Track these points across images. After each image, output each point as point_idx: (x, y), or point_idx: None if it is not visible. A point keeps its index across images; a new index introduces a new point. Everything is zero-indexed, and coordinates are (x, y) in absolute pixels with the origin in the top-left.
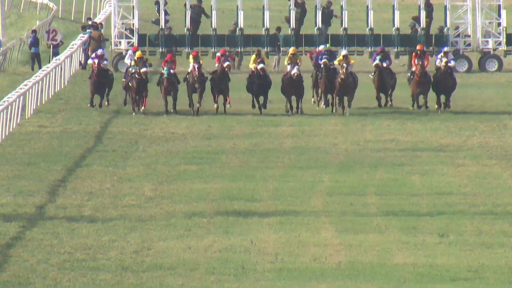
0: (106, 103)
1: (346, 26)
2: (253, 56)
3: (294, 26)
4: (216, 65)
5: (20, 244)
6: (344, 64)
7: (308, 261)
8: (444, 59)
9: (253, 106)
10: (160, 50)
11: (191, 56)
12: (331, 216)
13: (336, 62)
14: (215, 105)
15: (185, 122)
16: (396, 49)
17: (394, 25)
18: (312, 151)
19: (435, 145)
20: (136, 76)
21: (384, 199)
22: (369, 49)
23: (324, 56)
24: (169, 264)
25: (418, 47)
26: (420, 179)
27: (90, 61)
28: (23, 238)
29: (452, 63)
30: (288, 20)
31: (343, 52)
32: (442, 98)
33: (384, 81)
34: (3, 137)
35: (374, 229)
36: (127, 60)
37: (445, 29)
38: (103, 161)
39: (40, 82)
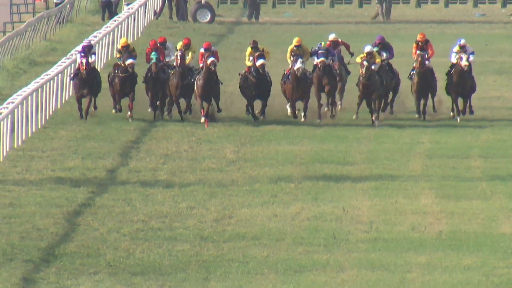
0: (93, 108)
1: None
2: (249, 49)
3: None
4: (201, 64)
5: (89, 211)
6: (365, 62)
7: (405, 231)
8: (465, 56)
9: (248, 111)
10: None
11: (179, 44)
12: (431, 181)
13: (358, 60)
14: (202, 118)
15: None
16: None
17: None
18: (410, 108)
19: None
20: (120, 74)
21: (490, 162)
22: None
23: (321, 52)
24: (253, 233)
25: (419, 37)
26: None
27: (78, 57)
28: (92, 205)
29: (471, 58)
30: None
31: (367, 48)
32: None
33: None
34: (71, 94)
35: (479, 195)
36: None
37: None
38: (181, 120)
39: (111, 33)
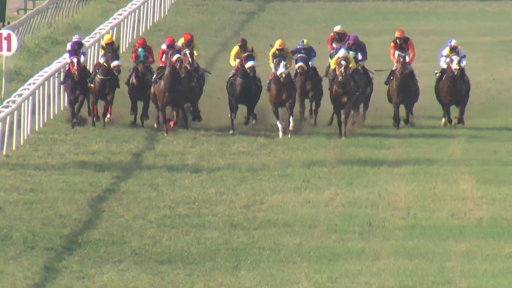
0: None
1: None
2: (236, 49)
3: None
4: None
5: (113, 197)
6: (343, 62)
7: (444, 217)
8: (456, 58)
9: (233, 125)
10: None
11: (181, 42)
12: (471, 166)
13: (332, 65)
14: (155, 124)
15: None
16: None
17: None
18: None
19: None
20: (101, 75)
21: None
22: None
23: (300, 56)
24: (285, 220)
25: (397, 34)
26: None
27: (67, 57)
28: (117, 191)
29: (463, 63)
30: None
31: (342, 52)
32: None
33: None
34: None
35: None
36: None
37: None
38: (209, 102)
39: (137, 11)
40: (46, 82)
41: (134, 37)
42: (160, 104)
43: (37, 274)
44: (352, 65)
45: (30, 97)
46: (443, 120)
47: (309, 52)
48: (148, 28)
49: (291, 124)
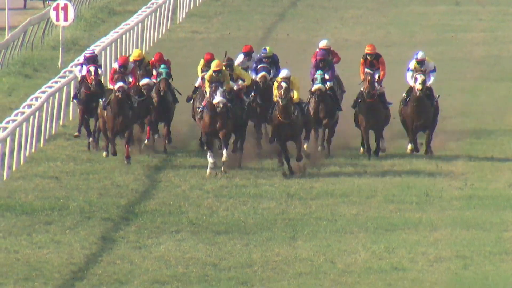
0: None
1: None
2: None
3: None
4: (111, 85)
5: (170, 167)
6: (283, 84)
7: (502, 187)
8: (420, 77)
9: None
10: None
11: (201, 62)
12: None
13: (274, 96)
14: (104, 152)
15: (360, 27)
16: None
17: None
18: (506, 60)
19: None
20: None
21: None
22: None
23: (262, 66)
24: (342, 190)
25: (367, 49)
26: None
27: (77, 71)
28: (174, 161)
29: (431, 79)
30: None
31: (284, 72)
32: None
33: (326, 109)
34: (151, 45)
35: None
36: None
37: None
38: None
39: None
40: (103, 52)
41: (191, 6)
42: (110, 131)
43: (94, 244)
44: (296, 96)
45: None
46: (409, 146)
47: (272, 61)
48: None
49: (224, 156)
